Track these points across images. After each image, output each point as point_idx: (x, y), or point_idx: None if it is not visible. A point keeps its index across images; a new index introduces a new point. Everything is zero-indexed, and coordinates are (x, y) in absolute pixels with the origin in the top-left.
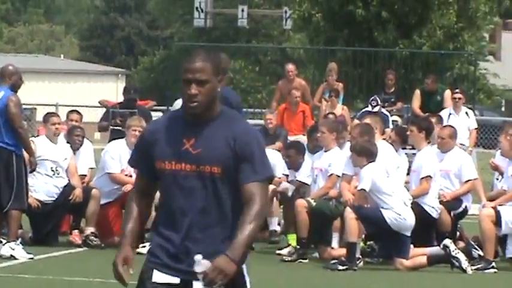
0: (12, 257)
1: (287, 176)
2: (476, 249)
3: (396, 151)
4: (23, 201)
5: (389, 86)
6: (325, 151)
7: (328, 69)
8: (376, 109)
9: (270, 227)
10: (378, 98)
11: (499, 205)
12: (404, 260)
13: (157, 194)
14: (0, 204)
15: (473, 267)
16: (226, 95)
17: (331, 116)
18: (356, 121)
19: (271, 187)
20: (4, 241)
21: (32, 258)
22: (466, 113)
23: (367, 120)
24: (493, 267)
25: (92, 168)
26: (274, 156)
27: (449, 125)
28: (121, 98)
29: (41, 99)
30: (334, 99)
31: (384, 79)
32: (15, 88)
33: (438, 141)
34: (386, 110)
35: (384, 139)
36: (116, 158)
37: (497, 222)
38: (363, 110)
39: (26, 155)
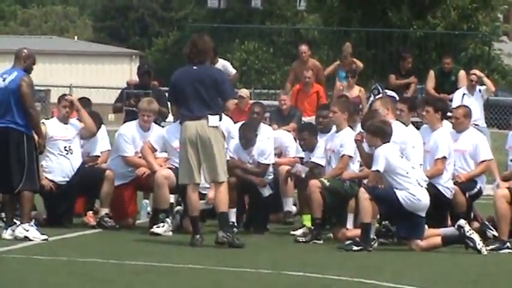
0: (26, 238)
1: (302, 158)
2: (491, 230)
3: (406, 125)
4: (35, 182)
5: (407, 68)
6: (337, 131)
7: (343, 49)
8: (379, 97)
9: (284, 208)
10: (379, 87)
11: None
12: (419, 240)
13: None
14: (11, 185)
15: (488, 248)
16: (211, 73)
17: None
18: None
19: (286, 168)
20: (18, 222)
21: (46, 240)
22: (480, 90)
23: (377, 103)
24: (507, 248)
25: (109, 150)
26: (286, 138)
27: (464, 105)
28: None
29: (55, 80)
30: (350, 80)
31: (400, 61)
32: (28, 71)
33: (453, 121)
34: (405, 91)
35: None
36: (129, 141)
37: None
38: (369, 103)
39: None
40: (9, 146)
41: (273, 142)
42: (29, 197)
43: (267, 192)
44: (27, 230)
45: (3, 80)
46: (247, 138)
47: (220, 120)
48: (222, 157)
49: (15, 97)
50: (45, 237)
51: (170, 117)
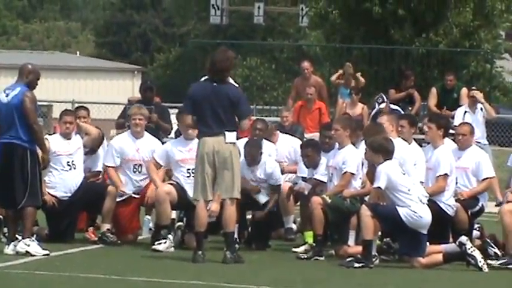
0: (27, 253)
1: (304, 178)
2: (493, 247)
3: (409, 142)
4: (38, 198)
5: (408, 86)
6: (339, 148)
7: (344, 70)
8: (382, 105)
9: (285, 225)
10: (383, 95)
11: None
12: (420, 257)
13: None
14: (14, 201)
15: (498, 262)
16: (227, 92)
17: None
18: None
19: (288, 184)
20: (20, 238)
21: (47, 255)
22: (481, 108)
23: (384, 118)
24: None
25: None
26: (295, 142)
27: (467, 122)
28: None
29: (57, 96)
30: (354, 97)
31: (403, 79)
32: (31, 86)
33: (459, 138)
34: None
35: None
36: (115, 153)
37: None
38: (373, 112)
39: (39, 151)
40: (13, 162)
41: (290, 153)
42: (31, 212)
43: (262, 198)
44: (28, 245)
45: (6, 96)
46: (253, 155)
47: (237, 138)
48: (237, 174)
49: (18, 113)
50: (46, 252)
51: (173, 134)
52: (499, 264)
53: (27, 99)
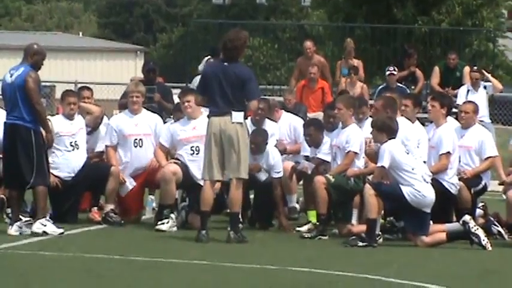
0: (44, 233)
1: (307, 157)
2: (496, 226)
3: (412, 121)
4: (45, 177)
5: (411, 65)
6: (343, 128)
7: (345, 46)
8: (395, 72)
9: (288, 204)
10: (393, 66)
11: None
12: (424, 236)
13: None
14: (23, 181)
15: None
16: (236, 71)
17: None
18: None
19: (290, 163)
20: (24, 218)
21: (62, 233)
22: (484, 86)
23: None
24: None
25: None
26: (297, 121)
27: (471, 101)
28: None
29: (60, 76)
30: (353, 77)
31: (406, 57)
32: (36, 67)
33: (462, 116)
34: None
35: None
36: (113, 132)
37: None
38: (380, 87)
39: (43, 131)
40: (17, 142)
41: (291, 130)
42: (43, 191)
43: (263, 176)
44: (45, 225)
45: (11, 76)
46: (258, 144)
47: (245, 118)
48: (245, 154)
49: (22, 93)
50: (61, 231)
51: None
52: None
53: (30, 80)
